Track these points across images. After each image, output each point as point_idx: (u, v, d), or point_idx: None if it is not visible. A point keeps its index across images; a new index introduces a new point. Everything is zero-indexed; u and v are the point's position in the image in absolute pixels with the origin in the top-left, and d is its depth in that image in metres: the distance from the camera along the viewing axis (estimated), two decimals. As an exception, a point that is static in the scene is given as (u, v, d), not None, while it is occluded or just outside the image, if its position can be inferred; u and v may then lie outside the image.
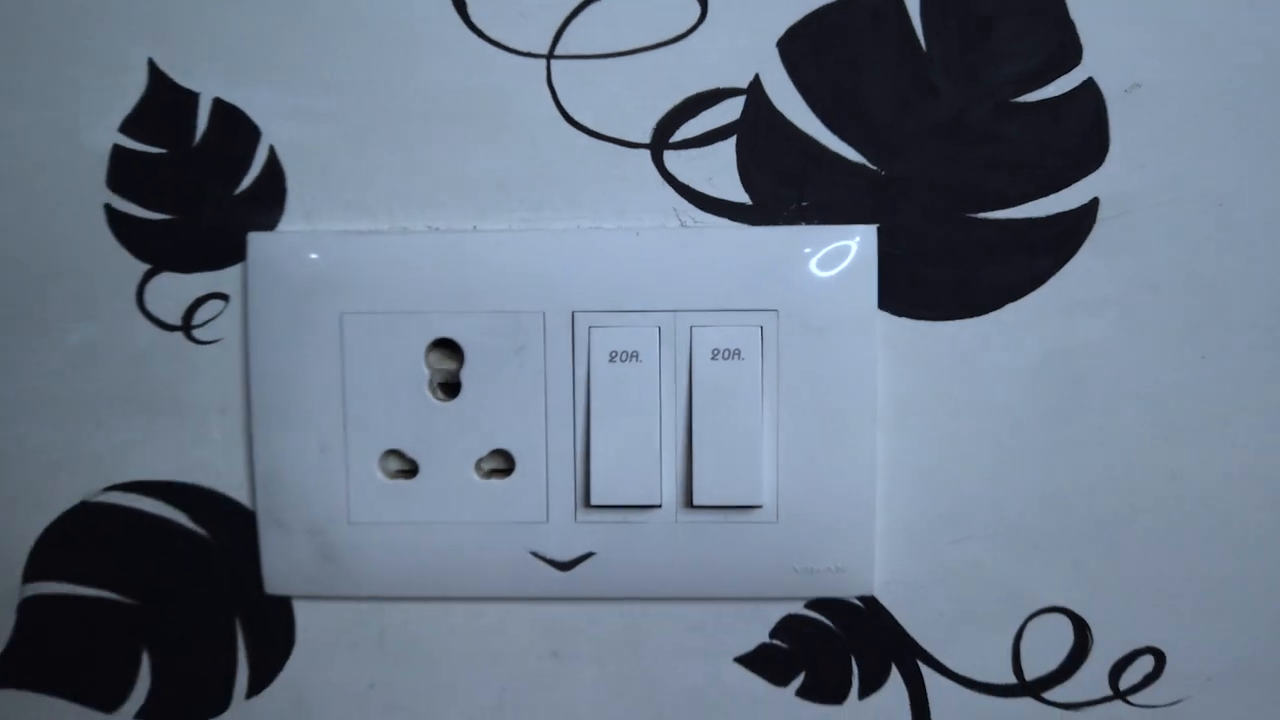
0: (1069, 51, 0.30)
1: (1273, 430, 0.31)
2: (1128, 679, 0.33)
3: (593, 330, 0.31)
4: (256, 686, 0.34)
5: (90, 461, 0.33)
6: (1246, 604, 0.32)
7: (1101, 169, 0.31)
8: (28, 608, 0.34)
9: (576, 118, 0.31)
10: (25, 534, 0.34)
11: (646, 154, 0.31)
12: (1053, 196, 0.31)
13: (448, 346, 0.32)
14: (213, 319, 0.32)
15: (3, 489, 0.33)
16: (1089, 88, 0.30)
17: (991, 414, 0.32)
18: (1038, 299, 0.31)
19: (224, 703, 0.34)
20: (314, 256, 0.31)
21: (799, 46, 0.31)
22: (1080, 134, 0.31)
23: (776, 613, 0.33)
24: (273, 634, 0.34)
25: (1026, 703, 0.33)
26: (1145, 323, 0.31)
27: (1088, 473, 0.32)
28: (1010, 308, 0.31)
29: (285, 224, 0.32)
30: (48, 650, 0.34)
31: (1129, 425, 0.32)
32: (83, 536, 0.34)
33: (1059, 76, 0.30)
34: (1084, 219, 0.31)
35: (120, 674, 0.34)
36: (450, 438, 0.32)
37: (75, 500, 0.33)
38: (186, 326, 0.32)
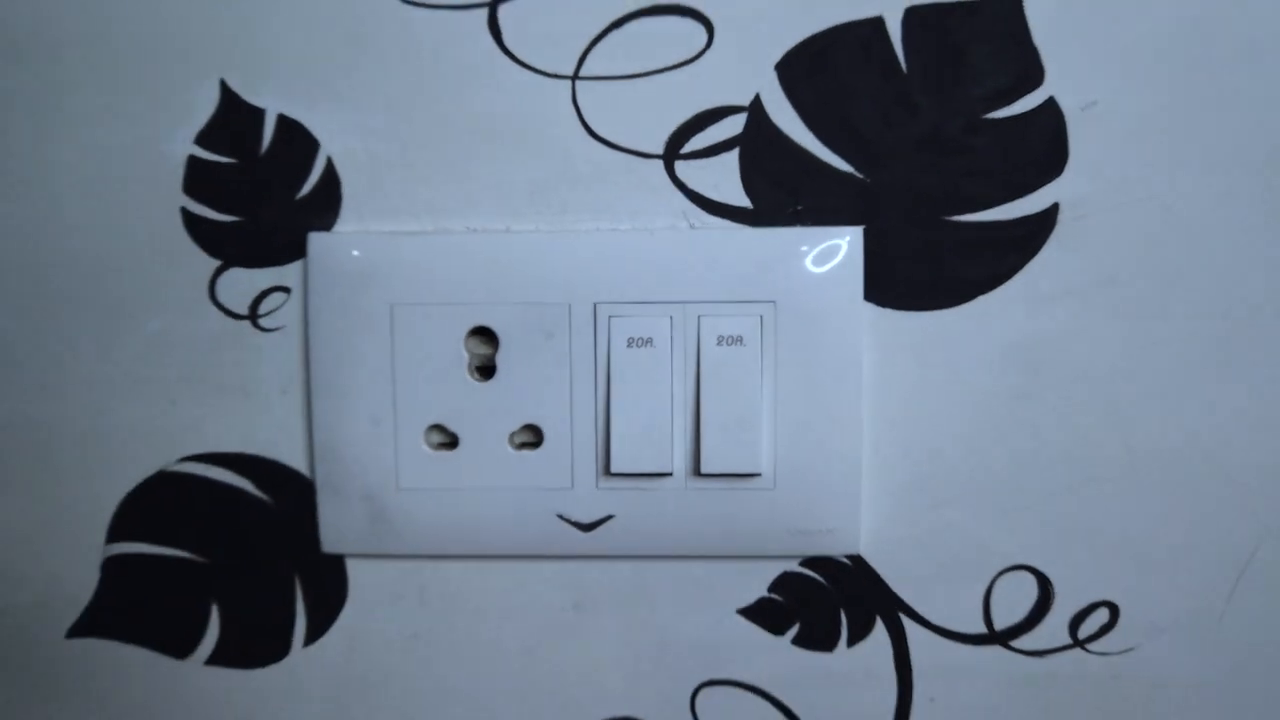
0: (1032, 73, 0.33)
1: (1214, 407, 0.34)
2: (1086, 629, 0.36)
3: (612, 319, 0.34)
4: (313, 635, 0.37)
5: (167, 435, 0.36)
6: (1191, 563, 0.35)
7: (1061, 177, 0.33)
8: (110, 566, 0.37)
9: (598, 132, 0.34)
10: (109, 499, 0.37)
11: (659, 164, 0.34)
12: (1018, 201, 0.34)
13: (484, 334, 0.35)
14: (276, 309, 0.36)
15: (89, 459, 0.36)
16: (1050, 106, 0.33)
17: (964, 393, 0.35)
18: (1006, 291, 0.34)
19: (284, 650, 0.37)
20: (366, 254, 0.34)
21: (794, 69, 0.34)
22: (1043, 146, 0.33)
23: (774, 570, 0.36)
24: (328, 589, 0.37)
25: (996, 650, 0.36)
26: (1101, 312, 0.34)
27: (1050, 445, 0.35)
28: (981, 299, 0.34)
29: (340, 225, 0.35)
30: (128, 603, 0.37)
31: (1086, 403, 0.34)
32: (160, 502, 0.37)
33: (1024, 95, 0.33)
34: (1046, 221, 0.34)
35: (192, 624, 0.37)
36: (486, 414, 0.35)
37: (153, 470, 0.36)
38: (253, 316, 0.36)
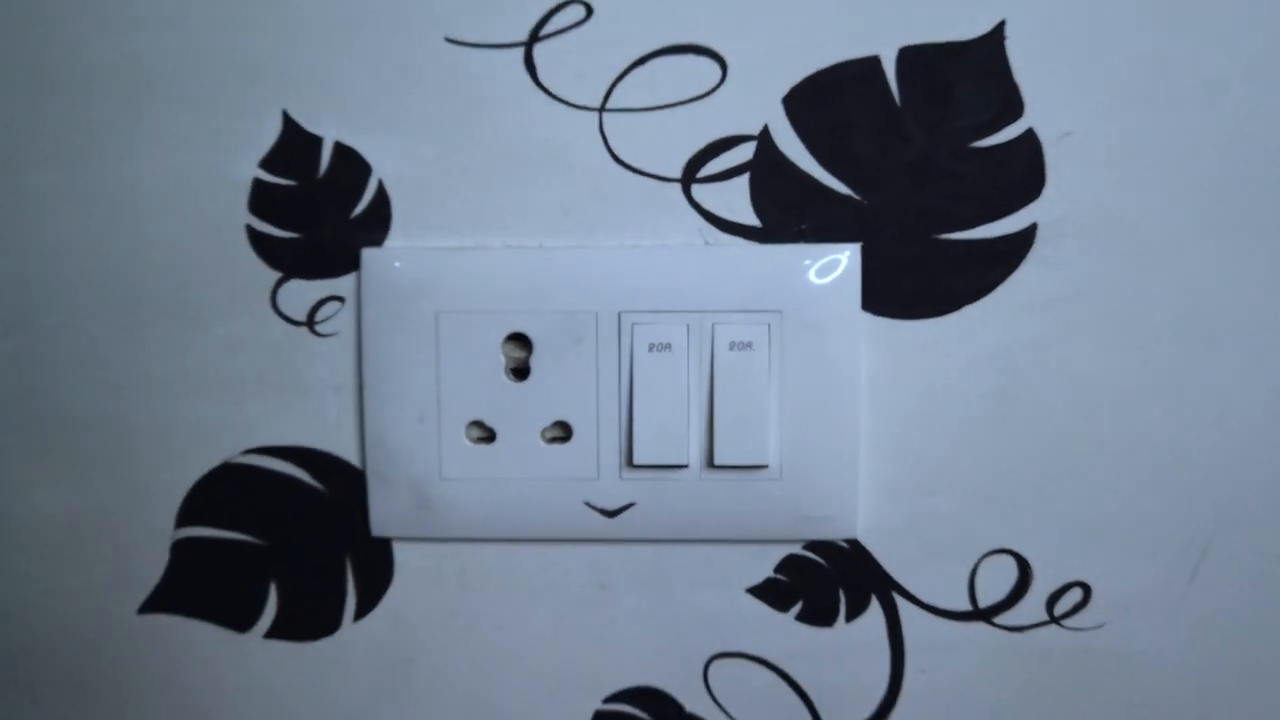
0: (1013, 106, 0.36)
1: (1177, 406, 0.37)
2: (1061, 607, 0.39)
3: (635, 326, 0.37)
4: (362, 611, 0.40)
5: (232, 430, 0.39)
6: (1157, 547, 0.38)
7: (1039, 200, 0.36)
8: (179, 548, 0.40)
9: (622, 158, 0.37)
10: (178, 487, 0.40)
11: (678, 187, 0.38)
12: (1001, 221, 0.37)
13: (519, 339, 0.38)
14: (331, 317, 0.39)
15: (160, 451, 0.40)
16: (1029, 136, 0.36)
17: (951, 394, 0.38)
18: (989, 303, 0.37)
19: (335, 624, 0.41)
20: (413, 267, 0.38)
21: (799, 102, 0.37)
22: (1022, 172, 0.36)
23: (779, 553, 0.39)
24: (376, 569, 0.40)
25: (980, 626, 0.39)
26: (1074, 322, 0.37)
27: (1029, 441, 0.38)
28: (967, 309, 0.37)
29: (390, 241, 0.38)
30: (194, 582, 0.41)
31: (1061, 403, 0.37)
32: (224, 490, 0.40)
33: (1005, 126, 0.36)
34: (1025, 239, 0.37)
35: (252, 601, 0.41)
36: (521, 411, 0.38)
37: (219, 461, 0.40)
38: (310, 322, 0.39)
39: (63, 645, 0.42)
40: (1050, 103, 0.36)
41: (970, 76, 0.36)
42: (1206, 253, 0.37)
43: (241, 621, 0.41)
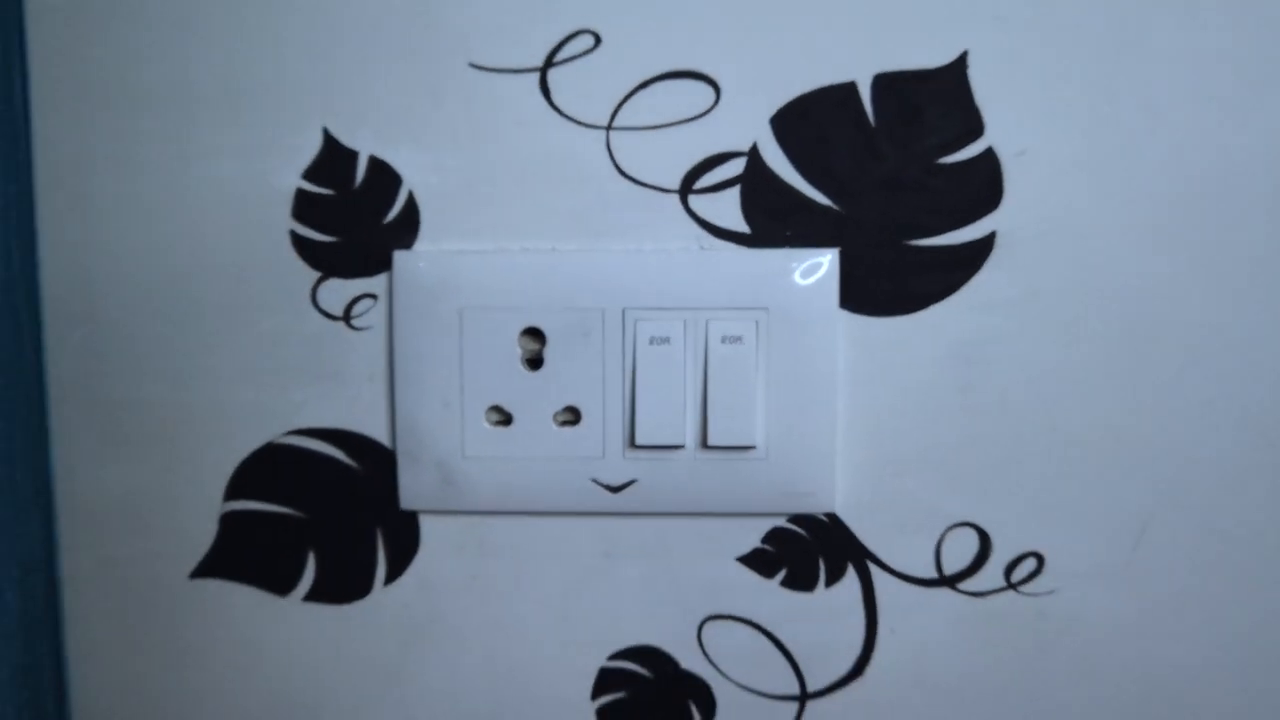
0: (974, 127, 0.40)
1: (1121, 395, 0.41)
2: (1017, 574, 0.42)
3: (638, 322, 0.40)
4: (391, 577, 0.44)
5: (275, 413, 0.43)
6: (1103, 522, 0.41)
7: (998, 210, 0.40)
8: (227, 519, 0.44)
9: (627, 171, 0.41)
10: (226, 465, 0.43)
11: (676, 197, 0.41)
12: (963, 229, 0.40)
13: (534, 333, 0.41)
14: (365, 312, 0.42)
15: (211, 432, 0.43)
16: (989, 153, 0.40)
17: (919, 384, 0.41)
18: (953, 302, 0.40)
19: (367, 589, 0.44)
20: (439, 268, 0.41)
21: (786, 122, 0.40)
22: (983, 186, 0.40)
23: (766, 525, 0.42)
24: (404, 539, 0.43)
25: (945, 591, 0.42)
26: (1029, 319, 0.40)
27: (989, 426, 0.41)
28: (933, 308, 0.40)
29: (419, 245, 0.42)
30: (240, 550, 0.44)
31: (1019, 392, 0.41)
32: (268, 467, 0.43)
33: (968, 145, 0.40)
34: (985, 246, 0.40)
35: (292, 567, 0.44)
36: (535, 397, 0.41)
37: (263, 441, 0.43)
38: (347, 317, 0.42)
39: (123, 606, 0.45)
40: (1008, 124, 0.40)
41: (937, 100, 0.40)
42: (1147, 257, 0.40)
43: (282, 586, 0.45)
